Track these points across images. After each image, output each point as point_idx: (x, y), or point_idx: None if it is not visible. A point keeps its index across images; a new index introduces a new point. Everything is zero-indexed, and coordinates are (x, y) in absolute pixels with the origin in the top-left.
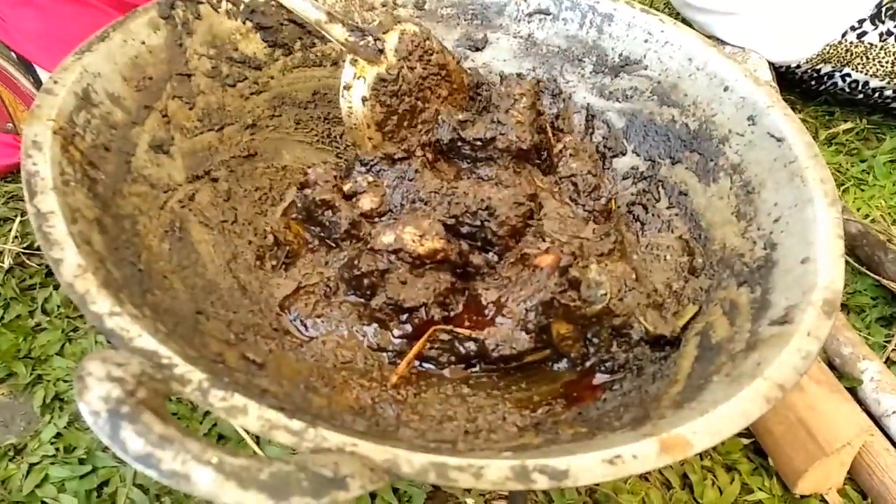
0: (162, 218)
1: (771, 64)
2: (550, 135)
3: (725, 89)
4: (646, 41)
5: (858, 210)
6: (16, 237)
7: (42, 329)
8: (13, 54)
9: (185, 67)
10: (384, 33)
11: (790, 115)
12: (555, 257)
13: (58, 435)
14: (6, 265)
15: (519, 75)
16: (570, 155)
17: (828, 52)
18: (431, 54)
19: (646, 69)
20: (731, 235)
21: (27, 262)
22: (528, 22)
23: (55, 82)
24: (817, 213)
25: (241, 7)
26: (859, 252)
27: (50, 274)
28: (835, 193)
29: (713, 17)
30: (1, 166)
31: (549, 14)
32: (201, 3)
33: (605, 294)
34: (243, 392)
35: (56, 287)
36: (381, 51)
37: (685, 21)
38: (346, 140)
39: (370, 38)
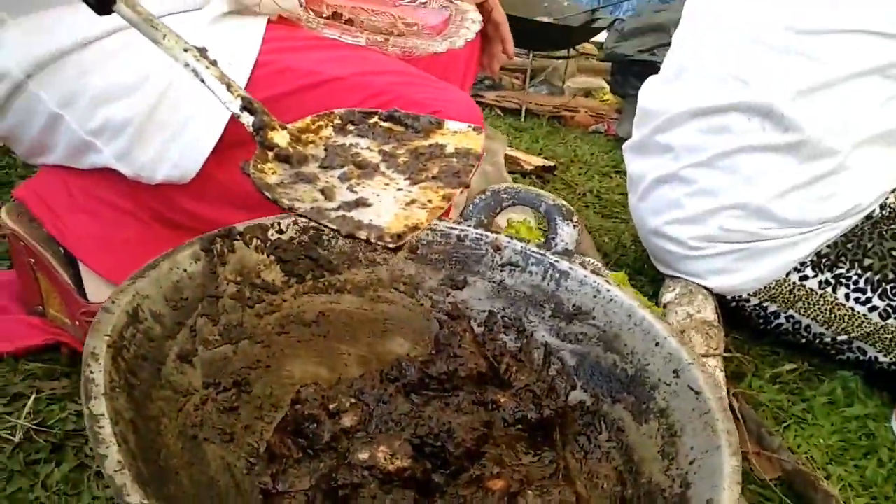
0: (179, 419)
1: (721, 300)
2: (492, 359)
3: (657, 344)
4: (594, 297)
5: (799, 447)
6: (28, 413)
7: None
8: (61, 249)
9: (216, 291)
10: None
11: (707, 372)
12: (505, 482)
13: None
14: (17, 439)
15: (490, 313)
16: (515, 371)
17: (774, 290)
18: None
19: (594, 319)
20: (657, 472)
21: (35, 437)
22: (501, 271)
23: (113, 303)
24: (723, 460)
25: (268, 244)
26: (795, 488)
27: (55, 450)
28: (737, 444)
29: (681, 249)
30: (24, 347)
31: (518, 266)
32: (236, 239)
33: None
34: None
35: (58, 464)
36: None
37: (653, 282)
38: None
39: None
